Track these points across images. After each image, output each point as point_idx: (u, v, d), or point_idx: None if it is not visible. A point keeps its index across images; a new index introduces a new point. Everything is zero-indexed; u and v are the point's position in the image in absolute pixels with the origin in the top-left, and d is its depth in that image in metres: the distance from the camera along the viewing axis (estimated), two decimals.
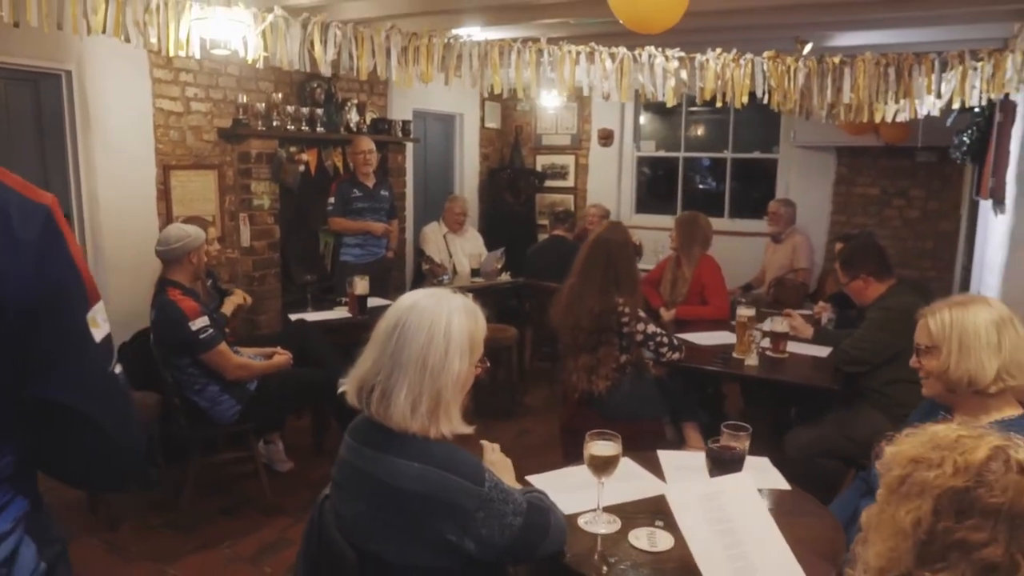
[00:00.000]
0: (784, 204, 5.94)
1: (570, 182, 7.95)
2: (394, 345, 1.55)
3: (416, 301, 1.59)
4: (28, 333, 0.94)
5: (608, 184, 7.73)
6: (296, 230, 5.73)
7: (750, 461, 2.25)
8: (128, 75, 4.34)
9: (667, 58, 3.73)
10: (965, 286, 5.43)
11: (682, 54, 3.76)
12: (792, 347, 3.66)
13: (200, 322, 3.39)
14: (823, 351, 3.60)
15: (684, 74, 3.74)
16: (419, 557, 1.55)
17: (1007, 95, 3.78)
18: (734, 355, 3.55)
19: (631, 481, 2.13)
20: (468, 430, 1.64)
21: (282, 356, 3.77)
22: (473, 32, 4.37)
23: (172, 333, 3.39)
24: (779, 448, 3.13)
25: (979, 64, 3.74)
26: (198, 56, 3.42)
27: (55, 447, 1.04)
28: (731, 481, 1.86)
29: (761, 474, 2.23)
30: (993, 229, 4.37)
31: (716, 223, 6.92)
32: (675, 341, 3.37)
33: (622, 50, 3.73)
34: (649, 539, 1.80)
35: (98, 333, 1.01)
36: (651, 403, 3.38)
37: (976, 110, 4.53)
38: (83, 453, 1.06)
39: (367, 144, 5.28)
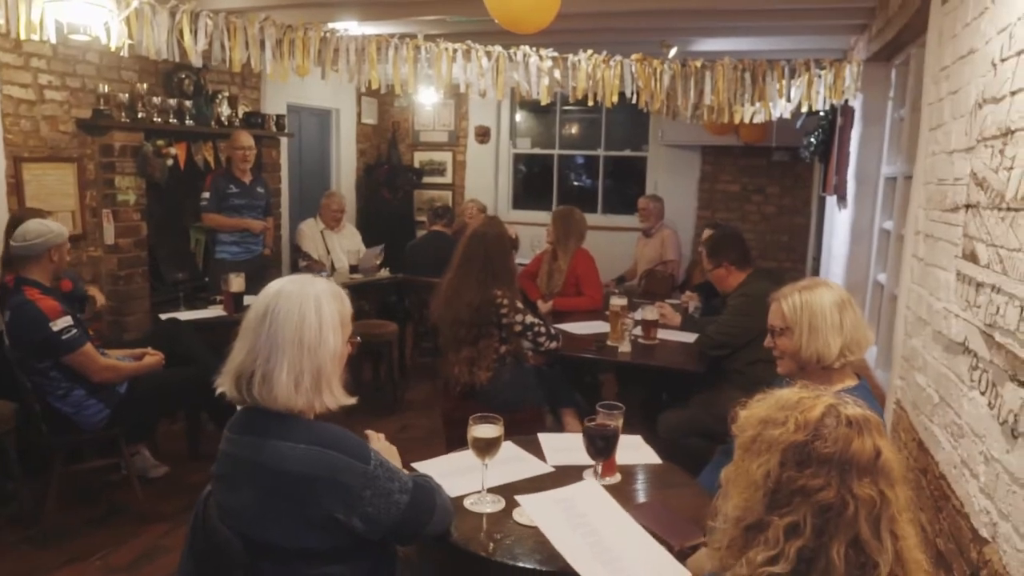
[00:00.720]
0: (653, 200, 6.24)
1: (448, 178, 8.01)
2: (267, 330, 1.56)
3: (281, 287, 1.62)
4: None
5: (485, 180, 7.85)
6: (165, 227, 5.48)
7: (624, 440, 2.41)
8: None
9: (541, 57, 3.86)
10: (816, 275, 5.90)
11: (555, 54, 3.90)
12: (662, 334, 3.88)
13: (62, 322, 3.21)
14: (690, 337, 3.83)
15: (557, 73, 3.88)
16: (309, 539, 1.57)
17: (846, 101, 4.16)
18: (608, 343, 3.73)
19: (513, 463, 2.23)
20: (351, 400, 1.69)
21: (153, 357, 3.63)
22: (350, 27, 4.34)
23: (31, 334, 3.19)
24: (652, 430, 3.32)
25: (823, 72, 4.10)
26: (54, 41, 3.23)
27: None
28: (579, 488, 2.01)
29: (635, 451, 2.38)
30: (838, 222, 4.79)
31: (590, 218, 7.16)
32: (552, 331, 3.49)
33: (498, 48, 3.82)
34: (530, 517, 1.89)
35: None
36: (530, 392, 3.49)
37: (821, 113, 4.95)
38: None
39: (247, 140, 5.13)
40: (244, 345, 1.59)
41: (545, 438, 2.45)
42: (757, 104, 4.25)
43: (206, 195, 5.01)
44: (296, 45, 3.61)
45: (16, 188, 4.30)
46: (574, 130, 7.87)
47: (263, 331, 1.57)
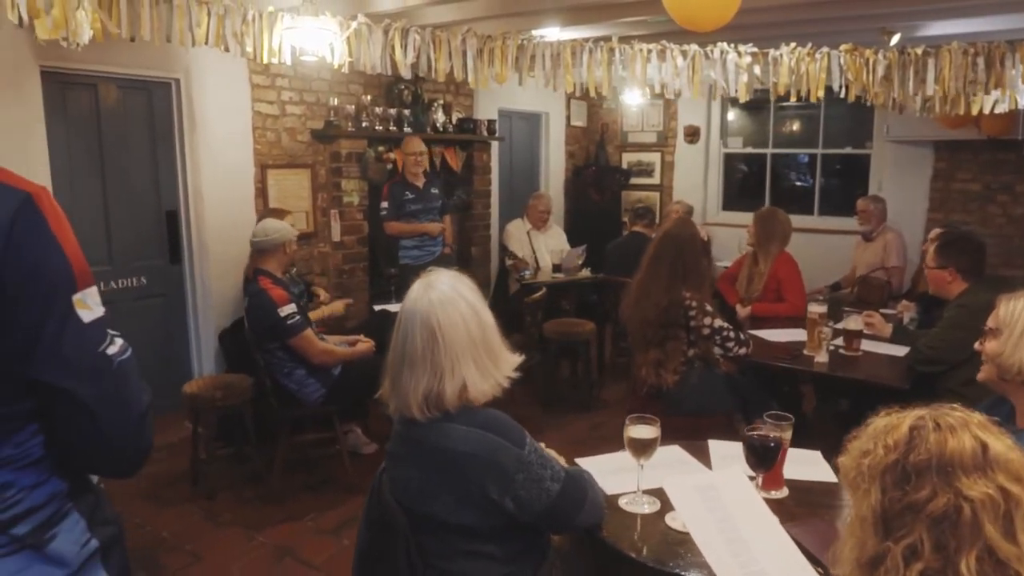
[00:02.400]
0: (873, 201, 5.75)
1: (656, 179, 7.93)
2: (443, 348, 1.66)
3: (429, 304, 1.68)
4: (9, 313, 0.96)
5: (694, 181, 7.68)
6: (382, 226, 5.97)
7: (800, 454, 2.29)
8: (229, 81, 4.68)
9: (739, 54, 3.73)
10: None
11: (755, 49, 3.74)
12: (869, 346, 3.59)
13: (288, 309, 3.64)
14: (901, 351, 3.51)
15: (757, 69, 3.72)
16: (465, 515, 1.67)
17: None
18: (805, 352, 3.52)
19: (676, 466, 2.20)
20: (520, 358, 1.80)
21: (365, 344, 3.99)
22: (551, 33, 4.47)
23: (263, 319, 3.66)
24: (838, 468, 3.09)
25: None
26: (289, 63, 3.67)
27: (59, 430, 1.05)
28: (726, 474, 1.93)
29: (811, 466, 2.25)
30: None
31: (805, 221, 6.84)
32: (742, 336, 3.37)
33: (693, 47, 3.75)
34: (684, 523, 1.86)
35: (87, 315, 1.03)
36: (719, 398, 3.40)
37: None
38: (73, 434, 1.05)
39: (419, 145, 5.31)
40: (420, 371, 1.67)
41: (715, 444, 2.39)
42: (996, 92, 3.79)
43: (385, 204, 5.25)
44: (495, 54, 3.79)
45: (262, 191, 4.94)
46: (791, 127, 7.45)
47: (439, 352, 1.65)
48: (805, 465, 2.23)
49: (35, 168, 3.84)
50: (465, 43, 3.75)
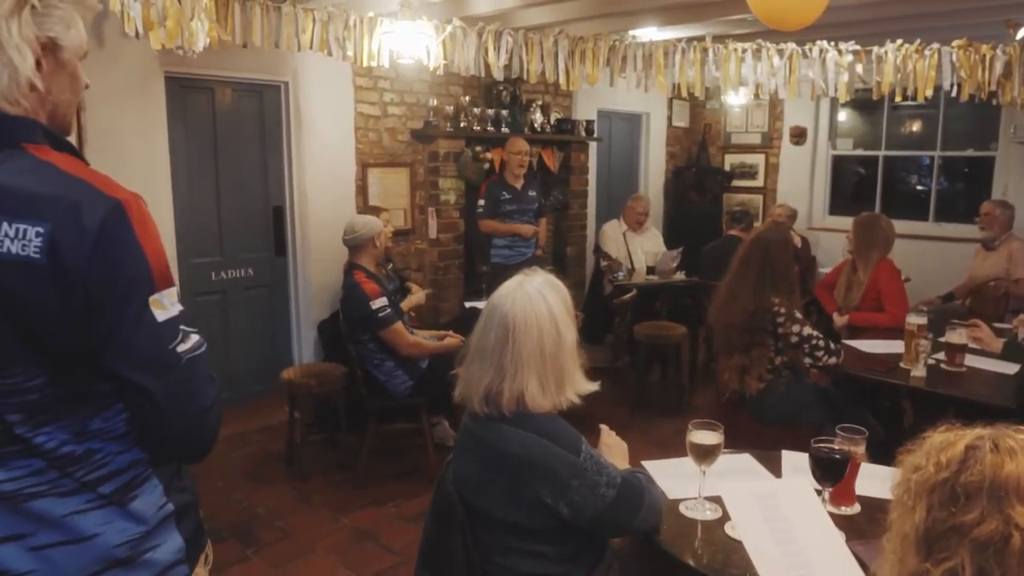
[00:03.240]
0: (1001, 206, 5.38)
1: (759, 182, 7.71)
2: (512, 350, 1.68)
3: (513, 309, 1.69)
4: (94, 311, 1.05)
5: (800, 184, 7.41)
6: (477, 224, 6.08)
7: (881, 470, 2.19)
8: (334, 84, 4.90)
9: (840, 52, 3.58)
10: None
11: (857, 47, 3.59)
12: (974, 362, 3.38)
13: (379, 302, 3.78)
14: (1011, 368, 3.28)
15: (859, 68, 3.57)
16: (519, 515, 1.71)
17: None
18: (901, 365, 3.35)
19: (743, 475, 2.16)
20: (593, 387, 1.78)
21: (453, 339, 4.09)
22: (647, 33, 4.43)
23: (356, 311, 3.82)
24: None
25: None
26: (387, 65, 3.82)
27: (132, 415, 1.15)
28: (789, 484, 1.87)
29: (887, 483, 2.15)
30: None
31: (919, 227, 6.49)
32: (833, 346, 3.25)
33: (790, 46, 3.63)
34: None
35: (161, 314, 1.10)
36: (807, 409, 3.30)
37: None
38: (141, 421, 1.15)
39: (523, 145, 5.35)
40: (487, 366, 1.71)
41: (788, 455, 2.32)
42: None
43: (481, 202, 5.32)
44: (586, 55, 3.81)
45: (362, 189, 5.14)
46: (907, 128, 7.06)
47: (508, 352, 1.68)
48: (885, 482, 2.12)
49: (156, 166, 4.16)
50: (557, 45, 3.78)
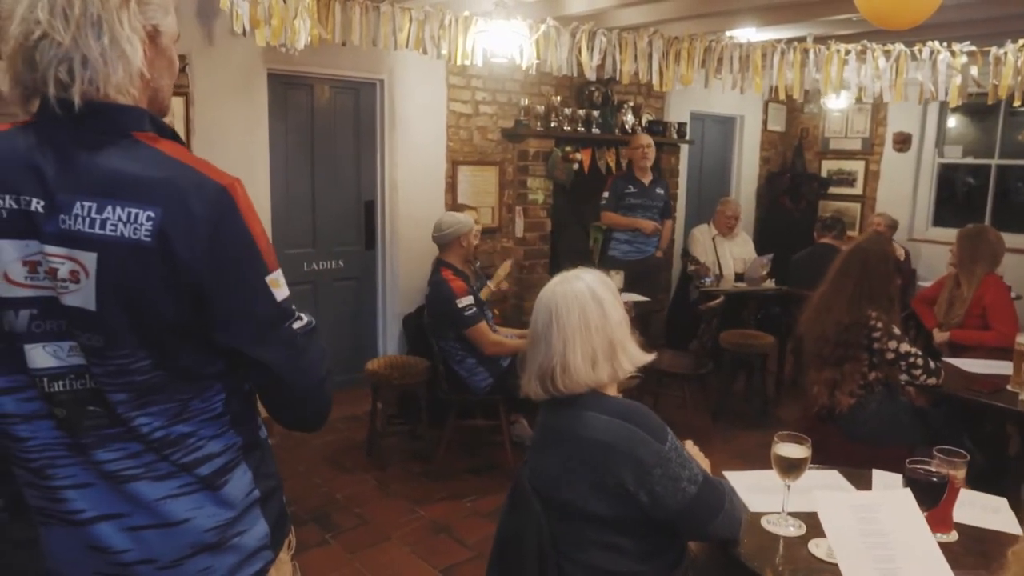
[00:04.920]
0: None
1: (858, 189, 7.40)
2: (555, 330, 1.73)
3: (554, 291, 1.77)
4: (209, 292, 1.09)
5: (901, 193, 7.08)
6: (566, 225, 6.08)
7: (981, 498, 2.08)
8: (428, 82, 4.99)
9: (953, 53, 3.39)
10: None
11: (972, 47, 3.39)
12: None
13: (466, 300, 3.82)
14: None
15: (974, 70, 3.37)
16: (599, 504, 1.70)
17: None
18: (1008, 388, 3.16)
19: (819, 492, 2.07)
20: (649, 357, 1.82)
21: None
22: (746, 33, 4.32)
23: (441, 308, 3.87)
24: None
25: None
26: (480, 64, 3.86)
27: (256, 389, 1.24)
28: (890, 495, 1.76)
29: (991, 514, 2.03)
30: None
31: None
32: (933, 365, 3.09)
33: (898, 47, 3.47)
34: (828, 550, 1.76)
35: (279, 293, 1.16)
36: (901, 428, 3.15)
37: None
38: (270, 396, 1.23)
39: (645, 139, 5.39)
40: (539, 350, 1.77)
41: (880, 475, 2.22)
42: None
43: (606, 195, 5.39)
44: (681, 55, 3.74)
45: (452, 186, 5.21)
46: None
47: (552, 333, 1.73)
48: (985, 511, 2.02)
49: (256, 159, 4.33)
50: (651, 45, 3.73)
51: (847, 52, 3.59)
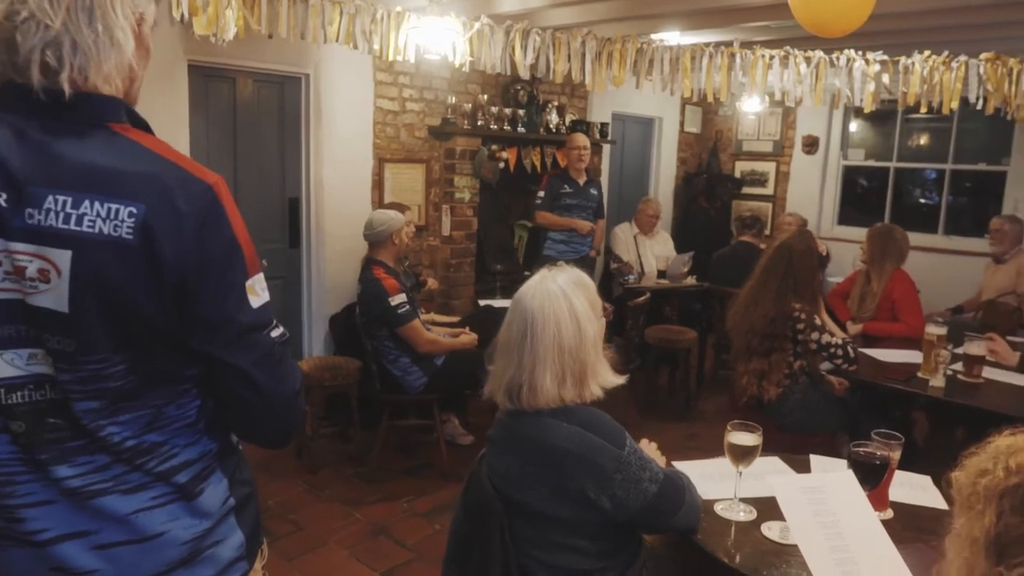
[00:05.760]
0: (1010, 221, 5.41)
1: (769, 190, 7.73)
2: (529, 345, 1.70)
3: (531, 298, 1.72)
4: (189, 294, 1.04)
5: (809, 193, 7.43)
6: (493, 223, 6.09)
7: (909, 477, 2.21)
8: (355, 78, 4.90)
9: (868, 61, 3.59)
10: None
11: (884, 57, 3.60)
12: (991, 374, 3.40)
13: (399, 298, 3.78)
14: None
15: (886, 78, 3.58)
16: (560, 508, 1.71)
17: None
18: (919, 375, 3.36)
19: (772, 477, 2.15)
20: (620, 380, 1.81)
21: (468, 336, 4.09)
22: (671, 37, 4.44)
23: (374, 307, 3.81)
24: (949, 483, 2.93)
25: None
26: (413, 60, 3.82)
27: (224, 400, 1.16)
28: (836, 478, 1.87)
29: (920, 491, 2.16)
30: None
31: (928, 240, 6.51)
32: (851, 353, 3.26)
33: (818, 54, 3.64)
34: (781, 532, 1.84)
35: (256, 300, 1.10)
36: (822, 416, 3.32)
37: None
38: (242, 407, 1.15)
39: (583, 140, 5.41)
40: (510, 361, 1.73)
41: (817, 460, 2.33)
42: None
43: (541, 194, 5.38)
44: (614, 56, 3.81)
45: (379, 184, 5.14)
46: (918, 141, 7.09)
47: (526, 346, 1.70)
48: (914, 489, 2.15)
49: None
50: (584, 45, 3.79)
51: (771, 57, 3.75)
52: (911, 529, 1.93)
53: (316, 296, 5.00)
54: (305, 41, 3.64)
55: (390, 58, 3.72)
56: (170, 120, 4.07)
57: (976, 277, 5.63)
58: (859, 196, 7.51)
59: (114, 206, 1.00)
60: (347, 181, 4.96)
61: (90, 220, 0.99)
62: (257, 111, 4.62)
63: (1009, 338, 3.91)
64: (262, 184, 4.70)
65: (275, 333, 1.15)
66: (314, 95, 4.75)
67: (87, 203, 0.99)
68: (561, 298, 1.72)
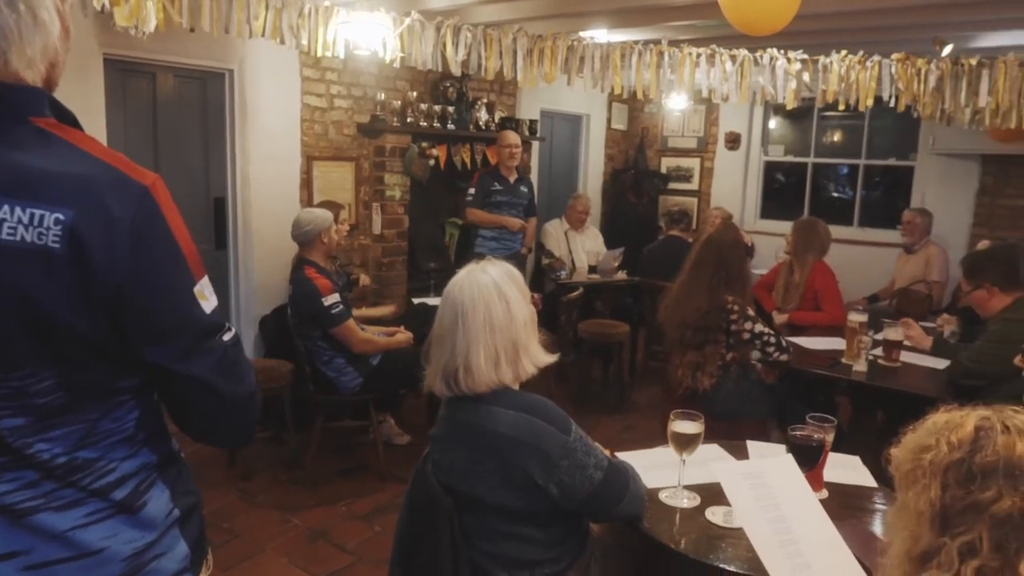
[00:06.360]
0: (920, 214, 5.70)
1: (694, 185, 7.92)
2: (460, 330, 1.71)
3: (461, 288, 1.75)
4: (129, 306, 0.97)
5: (733, 188, 7.65)
6: (423, 220, 6.05)
7: (839, 458, 2.29)
8: (281, 74, 4.78)
9: (789, 60, 3.72)
10: None
11: (805, 56, 3.74)
12: (907, 358, 3.58)
13: (332, 298, 3.71)
14: (940, 364, 3.49)
15: (806, 76, 3.72)
16: (508, 498, 1.71)
17: None
18: (843, 360, 3.51)
19: (715, 465, 2.21)
20: (552, 358, 1.83)
21: (403, 335, 4.05)
22: (599, 35, 4.50)
23: (306, 307, 3.73)
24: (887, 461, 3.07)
25: None
26: (342, 56, 3.75)
27: (177, 407, 1.11)
28: (775, 463, 1.94)
29: (850, 471, 2.26)
30: None
31: (845, 232, 6.79)
32: (783, 342, 3.37)
33: (743, 52, 3.76)
34: (725, 516, 1.89)
35: (207, 305, 1.06)
36: (753, 404, 3.41)
37: None
38: (201, 413, 1.11)
39: (514, 138, 5.42)
40: (444, 349, 1.75)
41: (753, 445, 2.41)
42: None
43: (471, 191, 5.37)
44: (545, 54, 3.83)
45: (307, 182, 5.03)
46: (833, 137, 7.39)
47: (458, 332, 1.71)
48: (845, 469, 2.24)
49: None
50: (516, 42, 3.79)
51: (698, 55, 3.84)
52: (844, 507, 2.02)
53: (245, 298, 4.87)
54: (229, 36, 3.53)
55: (319, 54, 3.64)
56: (85, 117, 3.80)
57: (889, 267, 5.92)
58: (780, 190, 7.78)
59: (38, 212, 0.92)
60: (275, 179, 4.84)
61: (10, 227, 0.92)
62: (179, 108, 4.45)
63: (922, 323, 4.12)
64: (186, 183, 4.53)
65: (227, 336, 1.10)
66: (239, 91, 4.61)
67: (7, 208, 0.92)
68: (490, 285, 1.74)
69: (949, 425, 1.10)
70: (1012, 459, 1.03)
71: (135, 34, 2.90)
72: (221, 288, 4.82)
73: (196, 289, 1.05)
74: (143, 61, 4.18)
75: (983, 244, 3.92)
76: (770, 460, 2.00)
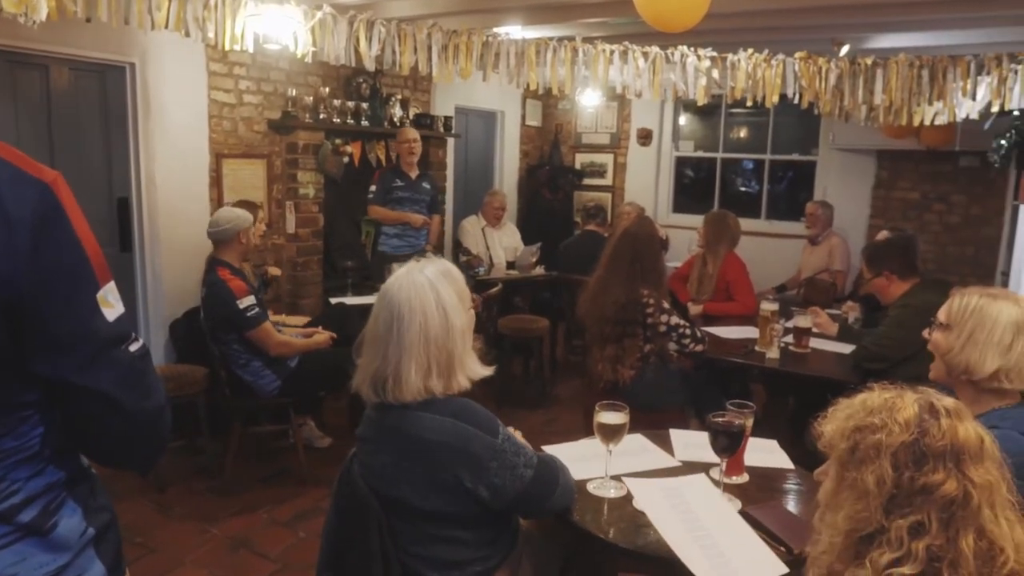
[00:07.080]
0: (822, 206, 5.97)
1: (608, 180, 8.05)
2: (394, 337, 1.67)
3: (398, 290, 1.70)
4: (27, 313, 0.91)
5: (646, 183, 7.82)
6: (339, 219, 5.94)
7: (758, 442, 2.37)
8: (186, 68, 4.58)
9: (699, 57, 3.83)
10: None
11: (714, 54, 3.86)
12: (816, 344, 3.73)
13: (247, 301, 3.59)
14: (847, 348, 3.65)
15: (716, 73, 3.84)
16: (437, 501, 1.70)
17: None
18: (756, 348, 3.64)
19: (641, 455, 2.27)
20: (487, 371, 1.81)
21: (322, 336, 3.96)
22: (513, 31, 4.51)
23: (221, 310, 3.60)
24: (800, 444, 3.20)
25: (1020, 67, 3.75)
26: (251, 50, 3.63)
27: (78, 425, 1.05)
28: (688, 480, 2.05)
29: (768, 454, 2.34)
30: None
31: (753, 224, 7.03)
32: (698, 333, 3.46)
33: (655, 49, 3.84)
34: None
35: (111, 313, 0.99)
36: (673, 393, 3.49)
37: (1016, 113, 4.52)
38: (104, 431, 1.05)
39: (412, 134, 5.39)
40: (375, 353, 1.70)
41: (676, 434, 2.46)
42: (937, 104, 3.97)
43: (373, 188, 5.34)
44: (460, 49, 3.82)
45: (217, 181, 4.85)
46: (740, 133, 7.66)
47: (392, 338, 1.67)
48: (763, 453, 2.32)
49: None
50: (431, 37, 3.76)
51: (611, 52, 3.90)
52: (765, 489, 2.09)
53: (153, 302, 4.65)
54: (130, 27, 3.36)
55: (227, 47, 3.51)
56: None
57: (795, 257, 6.17)
58: (690, 185, 8.00)
59: None
60: (182, 178, 4.64)
61: None
62: (76, 103, 4.21)
63: (828, 311, 4.32)
64: (86, 183, 4.30)
65: (134, 347, 1.04)
66: (141, 86, 4.40)
67: None
68: (428, 289, 1.70)
69: (889, 405, 1.13)
70: (957, 443, 1.08)
71: (24, 22, 2.72)
72: (127, 293, 4.59)
73: (100, 295, 0.98)
74: (35, 52, 3.93)
75: (882, 235, 4.13)
76: (683, 479, 2.09)
